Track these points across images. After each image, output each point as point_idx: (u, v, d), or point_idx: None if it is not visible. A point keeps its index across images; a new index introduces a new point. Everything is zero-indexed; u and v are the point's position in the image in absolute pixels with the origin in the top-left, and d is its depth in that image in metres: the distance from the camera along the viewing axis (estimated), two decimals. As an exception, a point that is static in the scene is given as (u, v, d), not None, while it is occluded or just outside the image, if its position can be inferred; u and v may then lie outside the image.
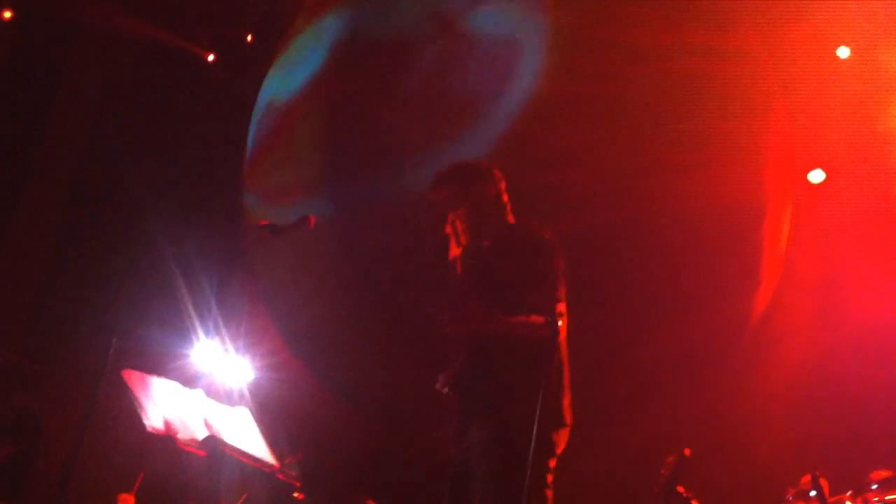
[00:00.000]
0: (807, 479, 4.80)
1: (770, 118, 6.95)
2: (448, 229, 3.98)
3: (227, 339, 6.01)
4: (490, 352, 3.88)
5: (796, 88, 6.88)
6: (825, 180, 7.16)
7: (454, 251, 3.98)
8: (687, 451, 4.42)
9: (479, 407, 3.86)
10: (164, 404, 4.48)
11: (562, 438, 3.87)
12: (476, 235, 4.04)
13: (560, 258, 3.99)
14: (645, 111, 7.18)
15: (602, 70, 7.19)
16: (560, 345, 3.87)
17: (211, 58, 8.22)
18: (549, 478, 3.79)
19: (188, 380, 5.00)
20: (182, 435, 4.42)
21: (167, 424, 4.40)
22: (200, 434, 4.48)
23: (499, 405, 3.80)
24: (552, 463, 3.85)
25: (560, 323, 3.79)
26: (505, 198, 4.15)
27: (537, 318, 3.71)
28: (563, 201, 7.26)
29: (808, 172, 7.20)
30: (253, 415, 4.85)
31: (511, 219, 4.15)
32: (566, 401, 3.91)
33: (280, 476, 4.66)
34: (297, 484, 4.73)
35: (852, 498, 4.75)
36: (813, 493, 4.70)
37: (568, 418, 3.89)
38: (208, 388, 4.98)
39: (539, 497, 3.73)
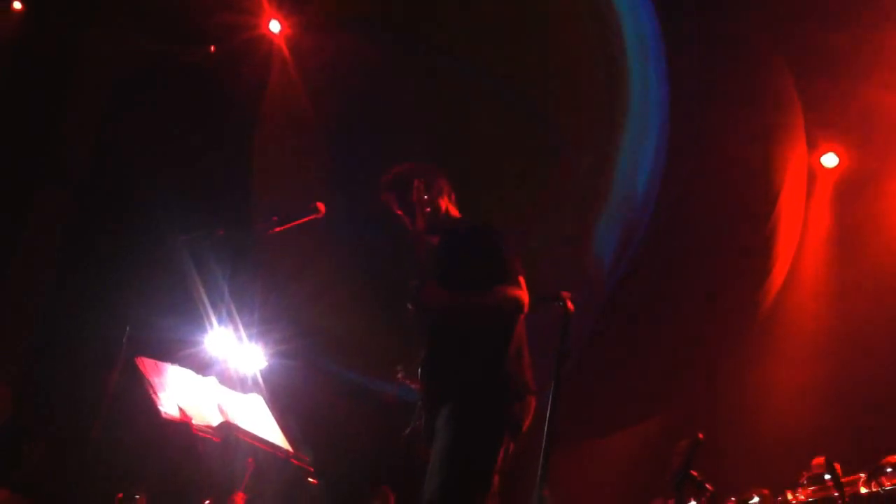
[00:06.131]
0: (818, 461, 4.82)
1: (780, 103, 6.91)
2: (414, 197, 4.03)
3: (239, 326, 6.02)
4: (451, 336, 3.91)
5: (806, 75, 6.84)
6: (837, 165, 7.14)
7: (420, 222, 4.03)
8: (701, 436, 4.42)
9: (442, 393, 3.88)
10: (178, 391, 4.50)
11: (527, 408, 3.90)
12: (426, 233, 4.08)
13: (510, 238, 4.06)
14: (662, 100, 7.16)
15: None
16: (522, 320, 3.94)
17: (212, 48, 8.21)
18: (501, 453, 3.81)
19: (202, 367, 5.01)
20: (196, 421, 4.43)
21: (181, 411, 4.42)
22: (215, 420, 4.50)
23: (459, 386, 3.84)
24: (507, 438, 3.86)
25: (522, 296, 3.86)
26: (448, 195, 4.20)
27: (498, 291, 3.81)
28: (569, 192, 7.27)
29: (821, 157, 7.18)
30: (266, 401, 4.87)
31: (457, 213, 4.21)
32: (528, 374, 3.95)
33: (294, 461, 4.67)
34: (311, 469, 4.74)
35: (867, 481, 4.75)
36: (827, 477, 4.70)
37: (532, 387, 3.94)
38: (221, 376, 4.99)
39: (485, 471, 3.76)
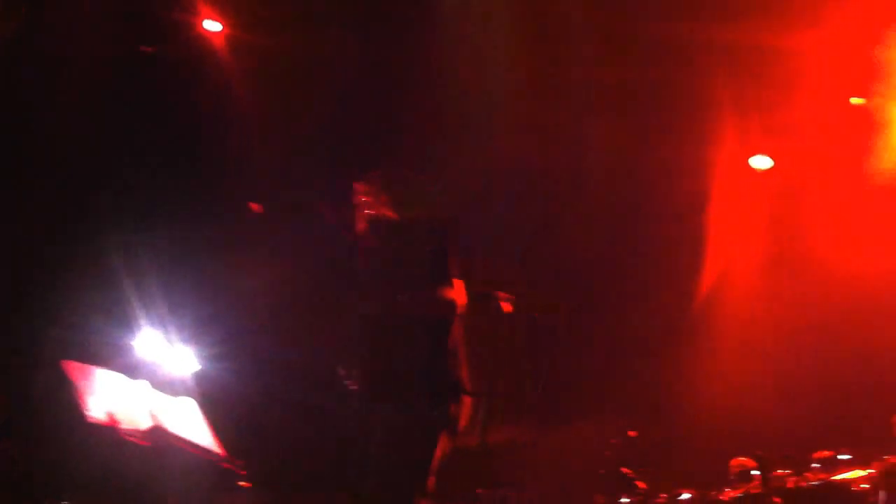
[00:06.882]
0: (736, 461, 4.94)
1: (713, 106, 7.02)
2: (356, 199, 4.06)
3: (171, 329, 5.93)
4: (387, 334, 3.94)
5: (737, 78, 6.95)
6: (770, 165, 7.27)
7: (361, 226, 4.06)
8: (632, 433, 4.49)
9: (380, 393, 3.91)
10: (106, 395, 4.42)
11: (464, 408, 3.95)
12: (361, 238, 4.09)
13: (452, 241, 4.09)
14: (595, 99, 7.21)
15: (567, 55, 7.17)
16: (457, 320, 3.98)
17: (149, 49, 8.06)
18: (439, 451, 3.85)
19: (132, 370, 4.92)
20: (125, 426, 4.36)
21: (110, 416, 4.34)
22: (144, 424, 4.43)
23: (397, 385, 3.88)
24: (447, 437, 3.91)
25: (457, 298, 3.91)
26: (383, 198, 4.22)
27: (435, 292, 3.85)
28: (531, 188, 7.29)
29: (750, 158, 7.30)
30: (198, 404, 4.80)
31: (394, 215, 4.22)
32: (464, 374, 4.00)
33: (225, 465, 4.63)
34: (243, 473, 4.70)
35: (794, 476, 4.86)
36: (756, 473, 4.80)
37: (468, 387, 3.99)
38: (153, 379, 4.90)
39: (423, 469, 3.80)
